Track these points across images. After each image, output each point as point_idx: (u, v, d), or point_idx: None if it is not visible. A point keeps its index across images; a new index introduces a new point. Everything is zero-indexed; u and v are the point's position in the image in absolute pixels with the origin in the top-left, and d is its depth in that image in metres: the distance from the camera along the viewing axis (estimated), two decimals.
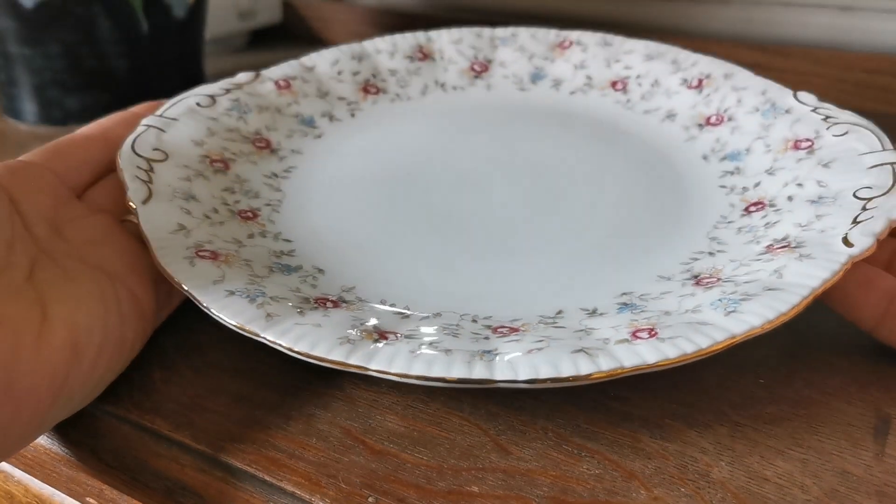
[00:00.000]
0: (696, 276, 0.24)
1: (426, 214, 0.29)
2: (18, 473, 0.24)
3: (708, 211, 0.28)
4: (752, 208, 0.27)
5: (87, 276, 0.23)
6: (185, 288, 0.23)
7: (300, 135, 0.34)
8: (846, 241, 0.22)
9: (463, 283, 0.26)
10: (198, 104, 0.32)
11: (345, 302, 0.24)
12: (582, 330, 0.22)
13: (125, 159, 0.28)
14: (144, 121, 0.30)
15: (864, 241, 0.22)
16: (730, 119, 0.33)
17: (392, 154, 0.33)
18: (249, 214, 0.28)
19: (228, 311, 0.22)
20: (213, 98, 0.33)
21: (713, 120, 0.33)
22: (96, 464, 0.23)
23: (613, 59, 0.38)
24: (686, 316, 0.22)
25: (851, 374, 0.24)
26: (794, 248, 0.23)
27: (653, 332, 0.21)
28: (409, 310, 0.24)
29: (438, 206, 0.30)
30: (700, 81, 0.35)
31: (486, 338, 0.22)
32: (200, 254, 0.24)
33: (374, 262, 0.27)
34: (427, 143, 0.34)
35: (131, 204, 0.26)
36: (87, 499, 0.23)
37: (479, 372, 0.20)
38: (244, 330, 0.21)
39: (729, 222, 0.27)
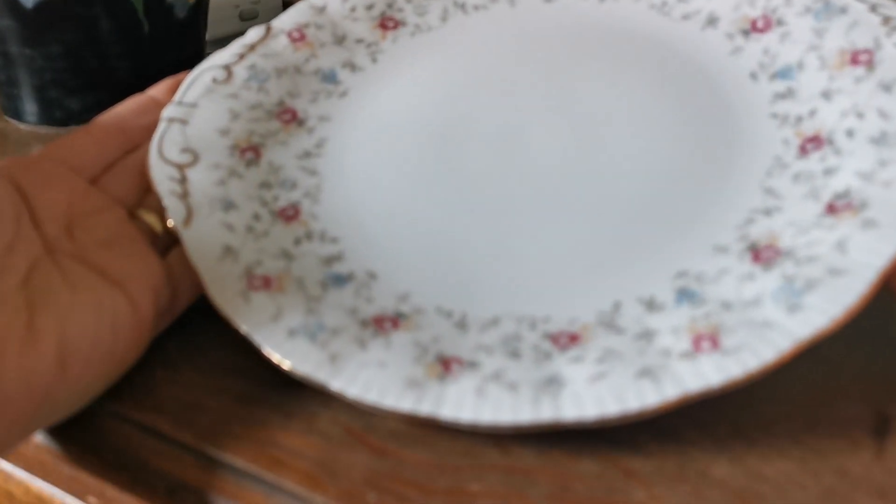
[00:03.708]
0: (753, 247, 0.23)
1: (467, 189, 0.28)
2: (19, 472, 0.24)
3: (760, 150, 0.26)
4: (809, 146, 0.25)
5: (86, 283, 0.22)
6: (246, 332, 0.23)
7: (325, 96, 0.32)
8: None
9: (515, 275, 0.25)
10: (214, 80, 0.31)
11: (402, 317, 0.24)
12: (642, 336, 0.22)
13: (156, 170, 0.27)
14: (165, 113, 0.29)
15: None
16: (779, 23, 0.29)
17: (421, 109, 0.31)
18: (291, 212, 0.28)
19: (294, 358, 0.22)
20: (228, 70, 0.31)
21: (759, 24, 0.30)
22: (98, 463, 0.23)
23: None
24: (748, 313, 0.21)
25: (851, 374, 0.24)
26: (858, 209, 0.22)
27: (715, 342, 0.20)
28: (466, 318, 0.24)
29: (478, 176, 0.28)
30: None
31: (548, 354, 0.22)
32: (253, 284, 0.24)
33: (422, 254, 0.26)
34: (455, 88, 0.32)
35: (174, 228, 0.25)
36: (89, 497, 0.23)
37: (547, 412, 0.20)
38: (310, 381, 0.21)
39: (784, 166, 0.25)
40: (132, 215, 0.27)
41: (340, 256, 0.26)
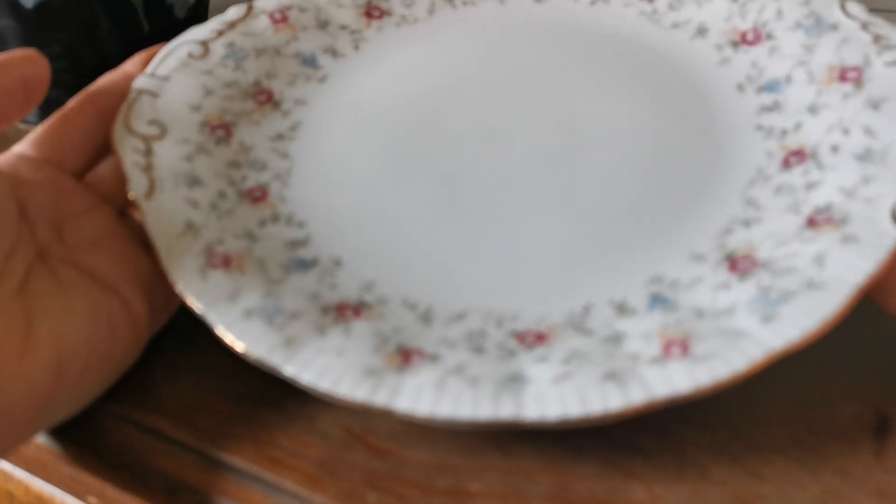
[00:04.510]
0: (730, 256, 0.23)
1: (442, 181, 0.27)
2: (19, 472, 0.24)
3: (743, 161, 0.26)
4: (793, 159, 0.25)
5: (80, 287, 0.22)
6: (200, 310, 0.22)
7: (303, 80, 0.32)
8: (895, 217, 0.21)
9: (485, 270, 0.24)
10: (190, 55, 0.30)
11: (365, 306, 0.23)
12: (611, 339, 0.21)
13: (120, 140, 0.26)
14: (135, 84, 0.28)
15: None
16: (768, 36, 0.29)
17: (401, 100, 0.31)
18: (258, 193, 0.27)
19: (248, 340, 0.21)
20: (205, 45, 0.31)
21: (749, 37, 0.30)
22: (98, 463, 0.23)
23: None
24: (721, 321, 0.21)
25: (851, 374, 0.24)
26: (838, 224, 0.22)
27: (685, 348, 0.20)
28: (432, 311, 0.23)
29: (454, 168, 0.28)
30: None
31: (512, 352, 0.21)
32: (212, 262, 0.23)
33: (392, 245, 0.25)
34: (436, 81, 0.31)
35: (135, 200, 0.25)
36: (89, 497, 0.23)
37: (507, 409, 0.19)
38: (264, 365, 0.21)
39: (766, 178, 0.25)
40: (121, 213, 0.26)
41: (306, 241, 0.26)
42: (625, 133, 0.28)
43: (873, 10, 0.28)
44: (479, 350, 0.21)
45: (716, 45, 0.30)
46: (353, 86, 0.31)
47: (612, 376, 0.20)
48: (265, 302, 0.22)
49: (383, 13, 0.34)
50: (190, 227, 0.24)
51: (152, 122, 0.27)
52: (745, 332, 0.20)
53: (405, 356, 0.21)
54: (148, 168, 0.26)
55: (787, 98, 0.27)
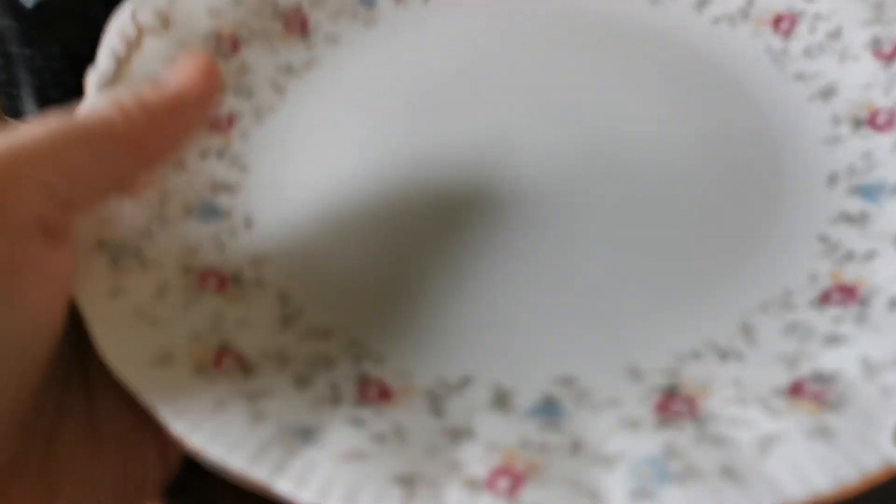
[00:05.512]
0: (669, 390, 0.17)
1: (404, 189, 0.23)
2: None
3: (776, 277, 0.20)
4: (835, 296, 0.19)
5: (114, 443, 0.18)
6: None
7: (349, 17, 0.27)
8: None
9: (384, 295, 0.20)
10: None
11: (237, 282, 0.19)
12: (453, 433, 0.17)
13: (115, 25, 0.23)
14: None
15: None
16: None
17: (431, 71, 0.26)
18: (224, 122, 0.23)
19: (84, 273, 0.17)
20: None
21: (881, 119, 0.23)
22: None
23: None
24: (589, 471, 0.15)
25: None
26: (825, 406, 0.16)
27: (516, 485, 0.15)
28: (300, 314, 0.19)
29: (430, 175, 0.23)
30: None
31: (337, 399, 0.17)
32: None
33: (309, 226, 0.21)
34: (490, 65, 0.26)
35: (87, 83, 0.22)
36: None
37: (262, 471, 0.15)
38: (82, 308, 0.17)
39: (787, 307, 0.19)
40: None
41: (234, 188, 0.22)
42: (661, 200, 0.22)
43: None
44: (303, 382, 0.17)
45: (833, 116, 0.24)
46: (391, 41, 0.27)
47: (406, 482, 0.15)
48: (132, 241, 0.19)
49: None
50: None
51: (160, 16, 0.23)
52: (602, 498, 0.15)
53: (219, 356, 0.17)
54: (123, 60, 0.22)
55: (881, 213, 0.21)
